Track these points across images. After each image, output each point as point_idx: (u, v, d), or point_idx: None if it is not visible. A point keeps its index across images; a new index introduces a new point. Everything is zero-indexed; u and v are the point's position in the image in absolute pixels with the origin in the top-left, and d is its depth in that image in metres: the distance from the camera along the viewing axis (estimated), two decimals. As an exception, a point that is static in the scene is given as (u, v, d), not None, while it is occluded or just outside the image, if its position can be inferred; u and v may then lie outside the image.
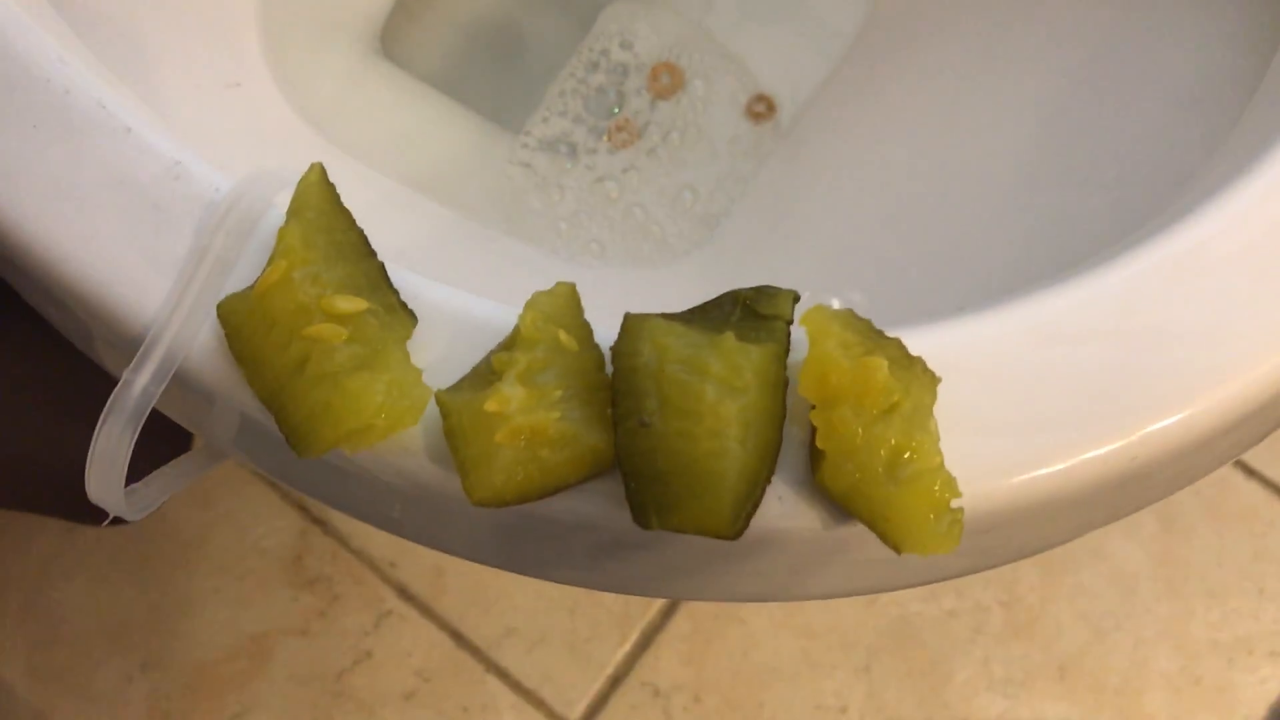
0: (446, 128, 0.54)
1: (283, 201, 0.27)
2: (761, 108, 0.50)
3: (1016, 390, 0.27)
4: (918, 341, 0.26)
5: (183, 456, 0.30)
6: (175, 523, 0.76)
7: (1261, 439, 0.31)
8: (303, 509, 0.76)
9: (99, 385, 0.44)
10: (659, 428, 0.24)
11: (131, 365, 0.26)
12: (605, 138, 0.50)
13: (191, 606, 0.74)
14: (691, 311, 0.27)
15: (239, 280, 0.27)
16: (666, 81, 0.50)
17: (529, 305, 0.26)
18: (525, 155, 0.51)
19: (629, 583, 0.29)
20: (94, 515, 0.70)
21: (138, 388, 0.26)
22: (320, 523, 0.75)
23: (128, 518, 0.27)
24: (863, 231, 0.50)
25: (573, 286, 0.27)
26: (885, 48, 0.51)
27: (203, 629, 0.74)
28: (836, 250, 0.50)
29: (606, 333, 0.27)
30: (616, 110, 0.51)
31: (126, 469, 0.26)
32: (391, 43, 0.59)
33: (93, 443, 0.26)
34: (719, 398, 0.24)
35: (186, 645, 0.73)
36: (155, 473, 0.29)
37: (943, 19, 0.49)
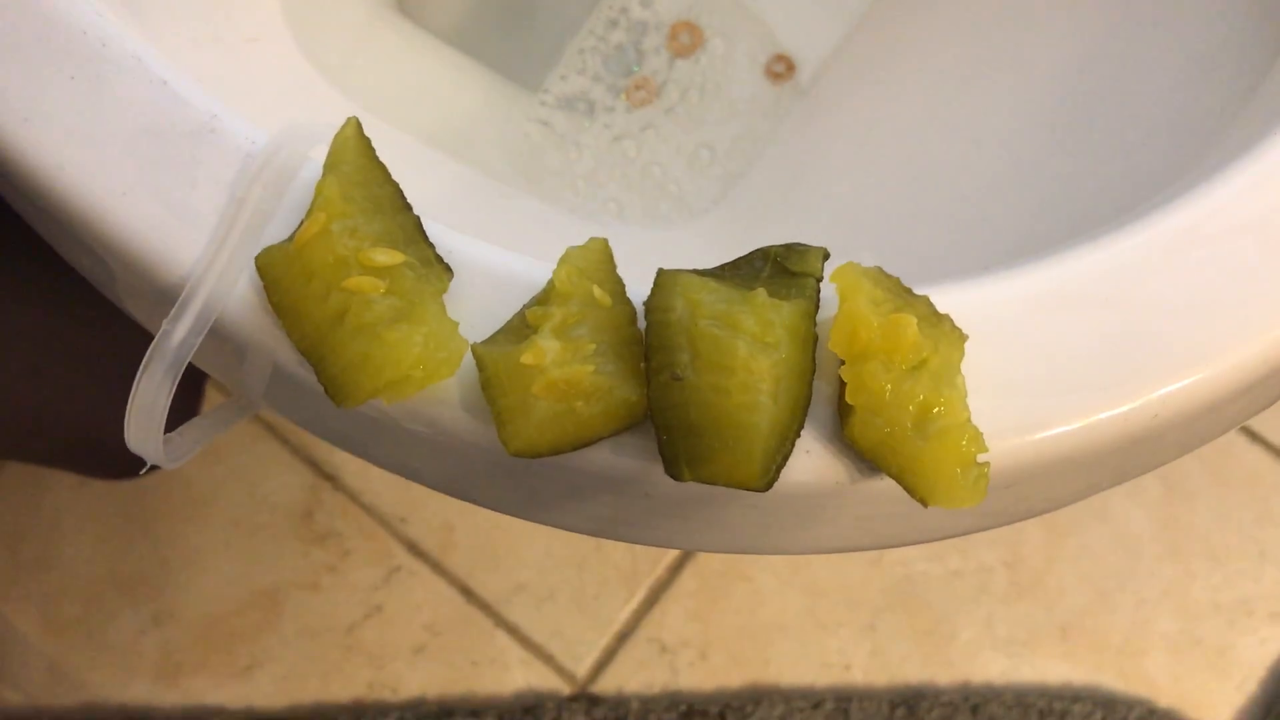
0: (463, 85, 0.54)
1: (318, 155, 0.28)
2: (781, 67, 0.50)
3: (1037, 350, 0.27)
4: (943, 299, 0.27)
5: (216, 407, 0.30)
6: (186, 478, 0.76)
7: (1268, 405, 0.32)
8: (313, 464, 0.76)
9: (113, 342, 0.44)
10: (692, 381, 0.25)
11: (170, 315, 0.26)
12: (623, 96, 0.50)
13: (202, 560, 0.75)
14: (723, 267, 0.27)
15: (275, 233, 0.27)
16: (686, 40, 0.50)
17: (563, 260, 0.26)
18: (543, 113, 0.51)
19: (654, 534, 0.30)
20: (105, 470, 0.70)
21: (176, 338, 0.26)
22: (330, 478, 0.76)
23: (165, 465, 0.28)
24: (880, 192, 0.50)
25: (605, 242, 0.27)
26: (904, 7, 0.51)
27: (214, 583, 0.74)
28: (854, 210, 0.50)
29: (636, 289, 0.27)
30: (636, 68, 0.51)
31: (165, 418, 0.27)
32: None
33: (132, 392, 0.26)
34: (751, 353, 0.25)
35: (197, 599, 0.74)
36: (190, 422, 0.29)
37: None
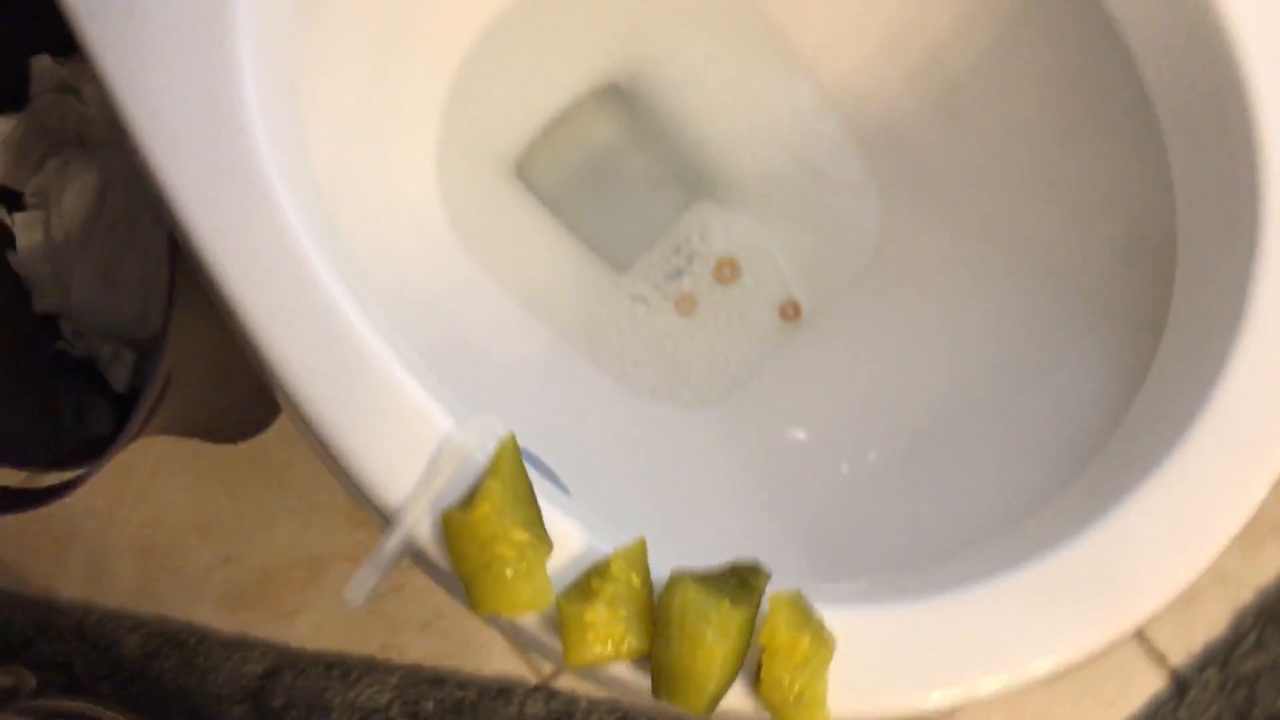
0: (560, 259, 0.72)
1: (486, 450, 0.46)
2: (791, 311, 0.69)
3: (882, 661, 0.47)
4: (830, 616, 0.46)
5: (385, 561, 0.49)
6: (269, 450, 0.95)
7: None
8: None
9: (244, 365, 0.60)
10: (675, 648, 0.44)
11: (386, 533, 0.45)
12: (673, 303, 0.69)
13: (270, 521, 0.94)
14: (707, 576, 0.46)
15: (451, 494, 0.46)
16: (727, 273, 0.69)
17: (619, 554, 0.45)
18: (613, 302, 0.70)
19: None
20: (213, 439, 0.89)
21: (388, 551, 0.45)
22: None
23: (357, 605, 0.47)
24: (845, 408, 0.69)
25: (644, 542, 0.46)
26: (880, 284, 0.69)
27: (275, 540, 0.94)
28: (824, 420, 0.69)
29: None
30: (686, 285, 0.69)
31: (370, 589, 0.46)
32: (527, 168, 0.76)
33: (361, 570, 0.45)
34: (713, 639, 0.44)
35: (261, 550, 0.93)
36: (368, 571, 0.48)
37: (922, 282, 0.68)
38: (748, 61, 0.70)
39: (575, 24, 0.72)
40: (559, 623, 0.45)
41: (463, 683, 0.91)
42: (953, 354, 0.66)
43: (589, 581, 0.46)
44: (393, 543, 0.46)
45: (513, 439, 0.47)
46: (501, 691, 0.91)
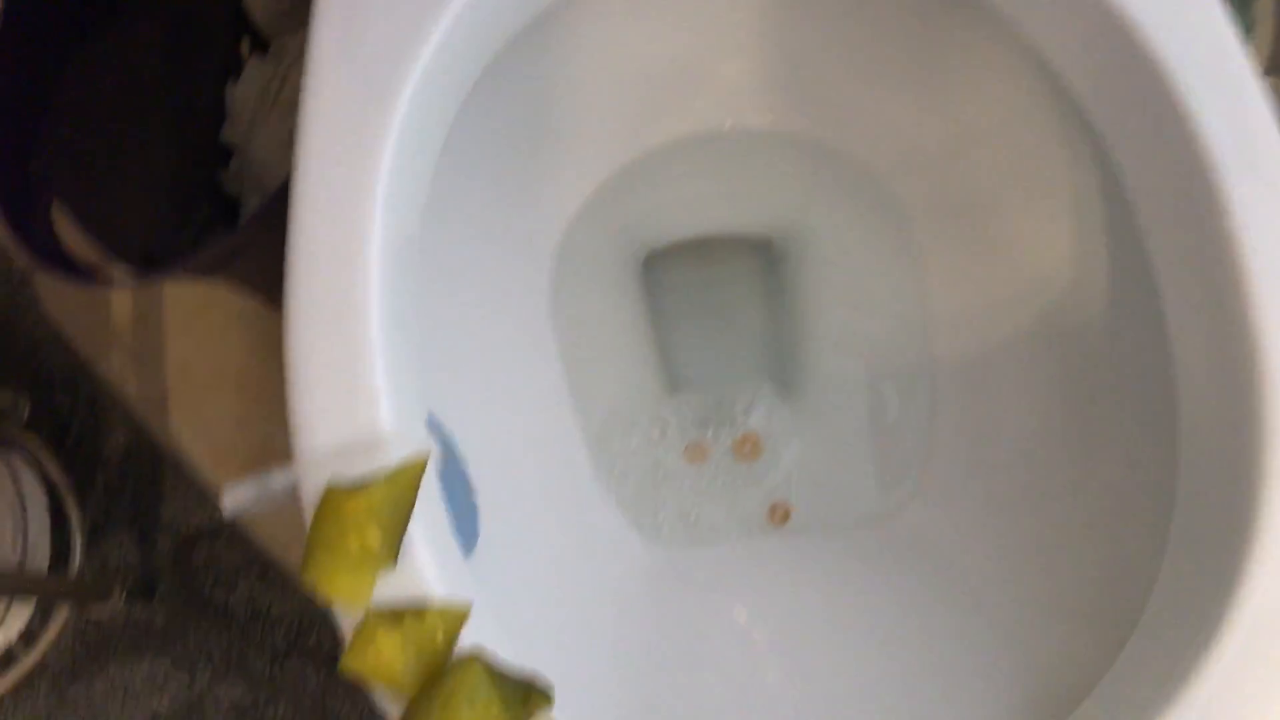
0: (627, 347, 0.75)
1: (400, 452, 0.50)
2: (779, 515, 0.70)
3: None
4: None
5: (266, 490, 0.53)
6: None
7: None
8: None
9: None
10: (433, 714, 0.47)
11: (280, 469, 0.50)
12: (685, 447, 0.71)
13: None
14: (505, 673, 0.49)
15: (359, 467, 0.50)
16: (747, 451, 0.71)
17: (442, 609, 0.48)
18: (641, 411, 0.73)
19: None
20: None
21: (275, 483, 0.49)
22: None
23: (227, 514, 0.51)
24: (781, 642, 0.69)
25: (467, 612, 0.49)
26: (876, 541, 0.70)
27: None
28: (761, 628, 0.69)
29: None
30: (707, 438, 0.72)
31: (241, 504, 0.50)
32: (656, 263, 0.80)
33: (243, 482, 0.50)
34: (464, 726, 0.46)
35: (275, 430, 0.99)
36: (246, 486, 0.52)
37: (916, 562, 0.68)
38: (882, 265, 0.72)
39: (762, 172, 0.76)
40: (356, 628, 0.48)
41: (350, 643, 0.94)
42: (894, 636, 0.66)
43: (404, 614, 0.48)
44: (280, 480, 0.49)
45: (424, 461, 0.50)
46: (376, 672, 0.93)
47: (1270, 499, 0.50)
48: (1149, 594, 0.56)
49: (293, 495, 0.53)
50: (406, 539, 0.49)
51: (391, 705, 0.48)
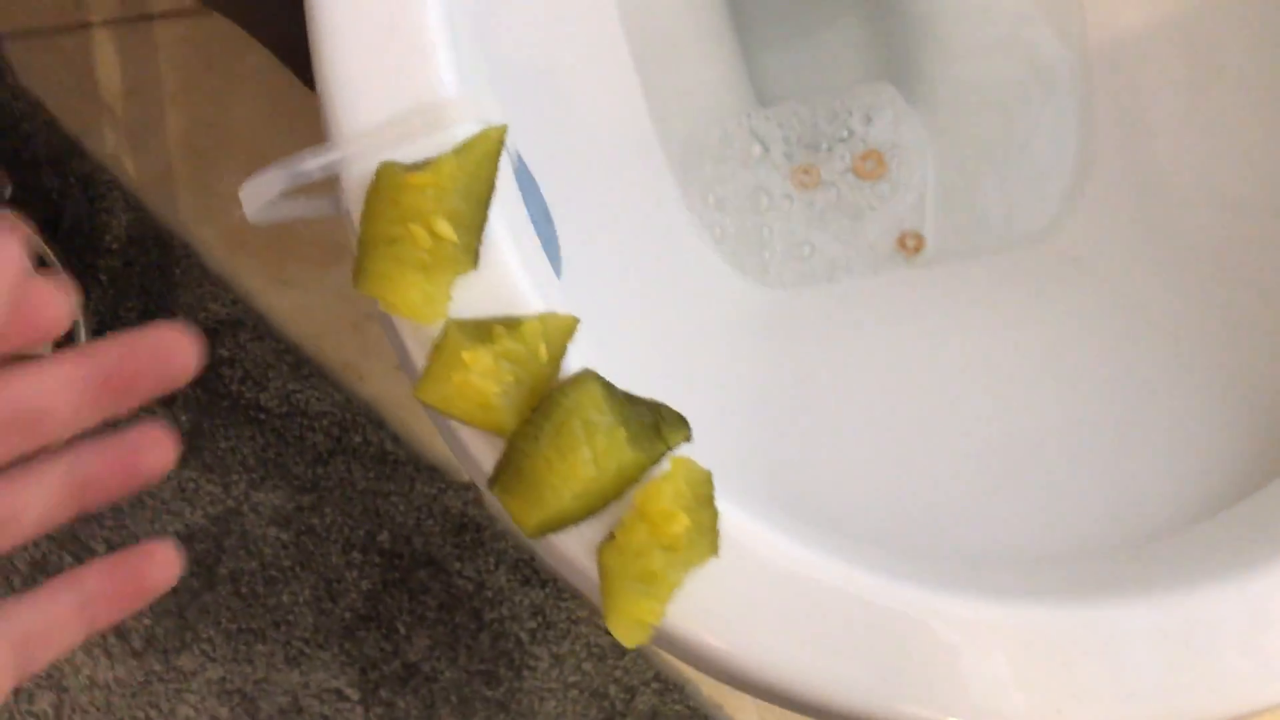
0: (709, 51, 0.62)
1: (468, 128, 0.38)
2: (911, 244, 0.58)
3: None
4: (727, 523, 0.37)
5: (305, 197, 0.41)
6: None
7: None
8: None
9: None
10: (540, 446, 0.35)
11: (313, 151, 0.37)
12: (792, 169, 0.59)
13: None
14: (629, 395, 0.37)
15: (408, 154, 0.37)
16: (870, 169, 0.58)
17: (540, 317, 0.36)
18: (733, 128, 0.60)
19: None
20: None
21: (307, 164, 0.37)
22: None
23: (249, 216, 0.39)
24: (910, 382, 0.58)
25: (575, 321, 0.37)
26: (1026, 263, 0.58)
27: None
28: (888, 372, 0.58)
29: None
30: (820, 158, 0.59)
31: (265, 199, 0.38)
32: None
33: (265, 171, 0.38)
34: (584, 462, 0.35)
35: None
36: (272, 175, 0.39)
37: (1075, 279, 0.56)
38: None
39: None
40: (434, 345, 0.36)
41: (399, 438, 0.84)
42: (1072, 367, 0.55)
43: (493, 326, 0.37)
44: (314, 162, 0.37)
45: (500, 133, 0.38)
46: (431, 469, 0.84)
47: None
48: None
49: (333, 198, 0.40)
50: (488, 231, 0.37)
51: (483, 445, 0.37)
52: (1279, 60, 0.53)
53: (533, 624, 0.81)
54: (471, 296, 0.37)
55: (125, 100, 0.87)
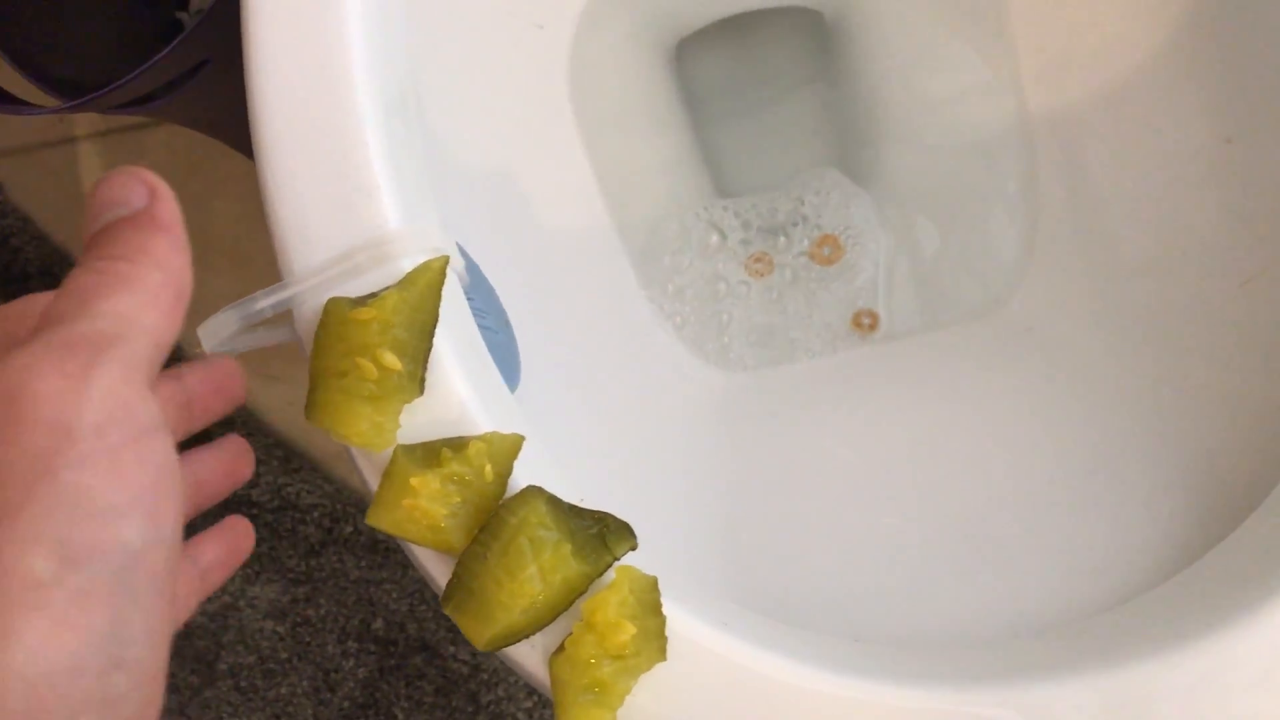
0: (666, 150, 0.64)
1: (409, 263, 0.40)
2: (867, 321, 0.60)
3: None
4: (674, 625, 0.38)
5: (258, 329, 0.43)
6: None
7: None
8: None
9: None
10: (489, 565, 0.37)
11: (266, 291, 0.39)
12: (746, 260, 0.61)
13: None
14: (574, 508, 0.39)
15: (353, 289, 0.39)
16: (826, 254, 0.60)
17: (484, 438, 0.38)
18: (691, 220, 0.62)
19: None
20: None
21: (259, 303, 0.39)
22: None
23: (207, 348, 0.41)
24: (864, 463, 0.60)
25: (520, 439, 0.39)
26: (979, 334, 0.60)
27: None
28: (844, 453, 0.60)
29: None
30: (777, 245, 0.61)
31: (224, 336, 0.40)
32: (688, 51, 0.68)
33: (221, 311, 0.39)
34: (531, 579, 0.37)
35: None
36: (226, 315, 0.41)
37: (1026, 350, 0.58)
38: (960, 27, 0.61)
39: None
40: (384, 472, 0.38)
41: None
42: (1025, 438, 0.56)
43: (441, 448, 0.39)
44: (265, 301, 0.39)
45: (442, 264, 0.40)
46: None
47: None
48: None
49: (289, 326, 0.42)
50: (434, 356, 0.39)
51: (437, 563, 0.39)
52: (1216, 131, 0.55)
53: (529, 704, 0.82)
54: (420, 421, 0.39)
55: (112, 209, 0.90)
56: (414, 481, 0.37)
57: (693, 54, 0.67)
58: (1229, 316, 0.51)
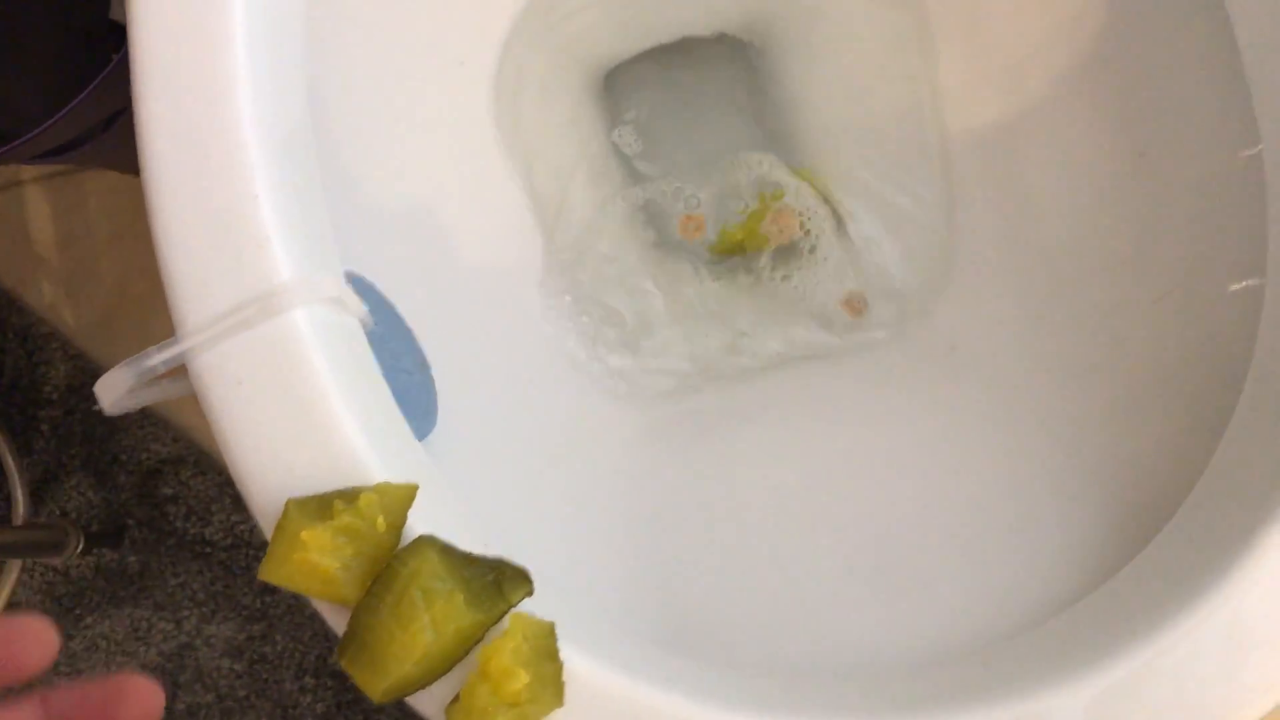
0: (590, 199, 0.64)
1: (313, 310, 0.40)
2: (860, 304, 0.59)
3: None
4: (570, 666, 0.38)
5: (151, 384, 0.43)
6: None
7: None
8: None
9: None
10: (381, 617, 0.37)
11: (159, 347, 0.39)
12: (681, 225, 0.61)
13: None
14: (469, 556, 0.39)
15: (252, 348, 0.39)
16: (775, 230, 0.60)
17: (376, 489, 0.38)
18: (624, 250, 0.62)
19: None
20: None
21: (151, 360, 0.39)
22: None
23: (104, 407, 0.41)
24: (783, 489, 0.59)
25: (413, 488, 0.39)
26: (899, 352, 0.60)
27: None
28: (757, 478, 0.60)
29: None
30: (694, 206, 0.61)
31: (119, 394, 0.40)
32: (615, 80, 0.69)
33: (115, 369, 0.40)
34: (423, 629, 0.37)
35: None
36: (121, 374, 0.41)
37: (952, 366, 0.58)
38: (884, 54, 0.61)
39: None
40: (276, 526, 0.38)
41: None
42: (941, 459, 0.56)
43: (334, 500, 0.39)
44: (158, 357, 0.39)
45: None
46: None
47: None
48: (1244, 374, 0.46)
49: (188, 380, 0.42)
50: (325, 409, 0.39)
51: (334, 616, 0.39)
52: (1129, 145, 0.56)
53: (485, 736, 0.81)
54: (315, 472, 0.39)
55: (60, 252, 0.90)
56: (305, 535, 0.37)
57: (622, 82, 0.68)
58: (1140, 334, 0.51)
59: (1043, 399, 0.53)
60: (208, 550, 0.85)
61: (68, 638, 0.84)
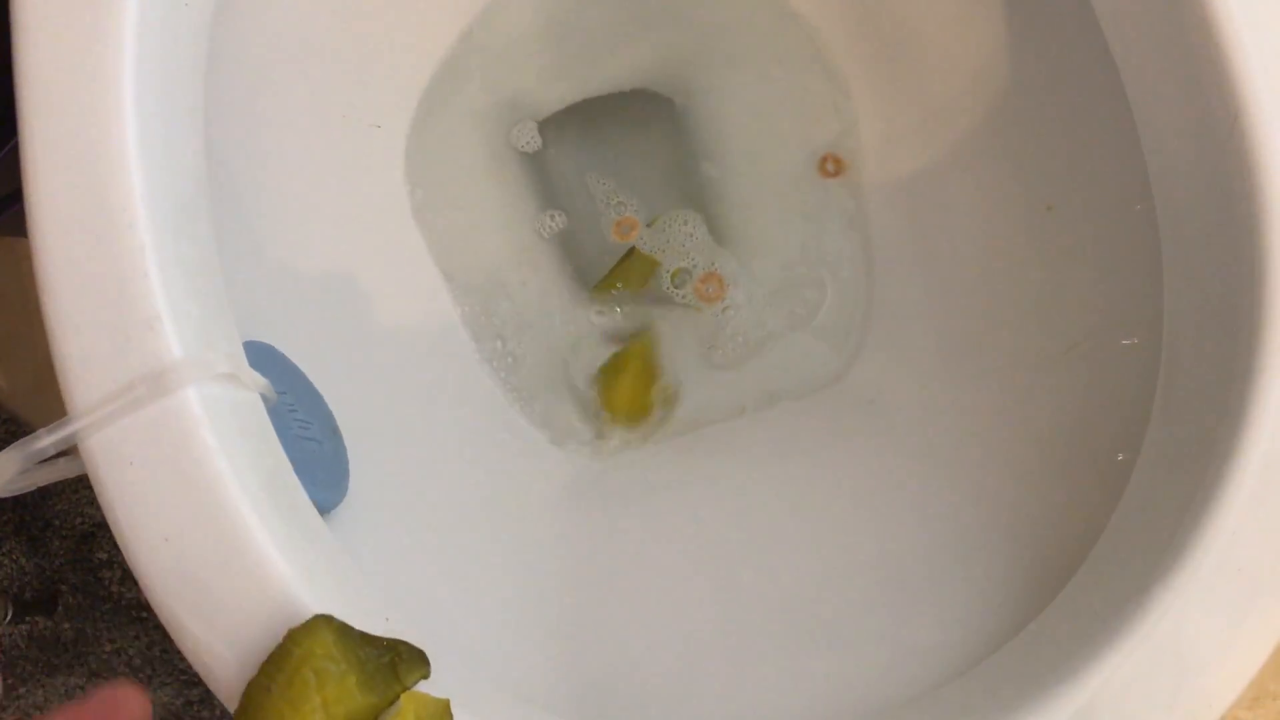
0: (511, 258, 0.65)
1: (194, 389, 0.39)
2: (832, 169, 0.59)
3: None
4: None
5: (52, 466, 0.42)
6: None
7: None
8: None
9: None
10: (272, 697, 0.37)
11: (48, 429, 0.39)
12: (613, 228, 0.61)
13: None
14: (365, 636, 0.39)
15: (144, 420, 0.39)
16: (710, 290, 0.61)
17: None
18: (544, 304, 0.62)
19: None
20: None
21: (40, 444, 0.39)
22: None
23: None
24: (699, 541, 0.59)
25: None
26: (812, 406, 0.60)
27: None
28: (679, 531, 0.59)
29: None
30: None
31: (9, 476, 0.39)
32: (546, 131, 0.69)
33: (2, 453, 0.39)
34: (314, 711, 0.36)
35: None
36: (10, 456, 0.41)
37: (863, 418, 0.58)
38: (801, 108, 0.62)
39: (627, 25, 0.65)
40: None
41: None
42: (857, 515, 0.56)
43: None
44: (48, 440, 0.39)
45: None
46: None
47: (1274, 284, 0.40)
48: (1146, 426, 0.46)
49: (76, 460, 0.42)
50: (217, 491, 0.39)
51: (229, 700, 0.38)
52: (1038, 199, 0.56)
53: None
54: (205, 555, 0.39)
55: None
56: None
57: (545, 137, 0.68)
58: (1051, 385, 0.52)
59: (955, 453, 0.53)
60: (144, 615, 0.84)
61: None
